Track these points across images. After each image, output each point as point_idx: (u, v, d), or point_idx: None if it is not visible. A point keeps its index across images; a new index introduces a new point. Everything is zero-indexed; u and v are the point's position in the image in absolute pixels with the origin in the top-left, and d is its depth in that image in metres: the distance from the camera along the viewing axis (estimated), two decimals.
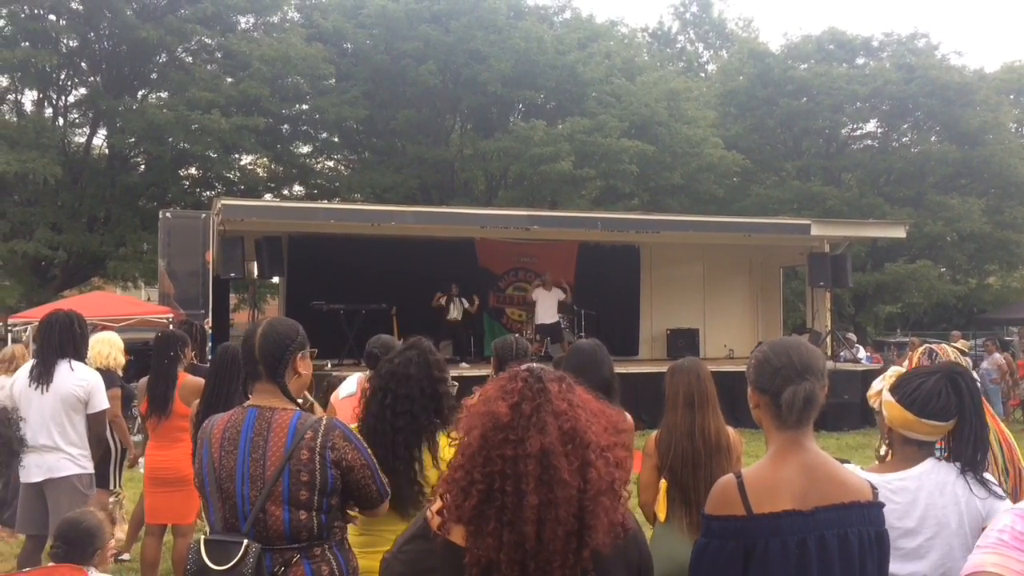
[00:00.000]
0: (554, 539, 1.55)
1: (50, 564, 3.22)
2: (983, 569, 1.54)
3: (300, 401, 2.79)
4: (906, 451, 2.39)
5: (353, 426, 2.84)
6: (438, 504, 1.67)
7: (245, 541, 2.40)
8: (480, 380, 2.90)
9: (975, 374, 3.06)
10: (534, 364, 1.74)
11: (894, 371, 2.56)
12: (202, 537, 2.48)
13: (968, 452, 2.34)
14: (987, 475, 2.39)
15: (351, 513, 2.70)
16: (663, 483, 3.49)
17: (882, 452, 2.78)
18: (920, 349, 3.10)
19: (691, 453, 3.43)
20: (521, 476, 1.57)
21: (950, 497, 2.29)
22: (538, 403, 1.63)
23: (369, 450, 2.65)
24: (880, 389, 2.53)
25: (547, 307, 14.59)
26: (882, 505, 1.98)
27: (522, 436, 1.59)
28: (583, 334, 13.83)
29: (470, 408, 1.69)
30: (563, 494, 1.56)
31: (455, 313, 14.15)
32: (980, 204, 24.62)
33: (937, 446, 2.49)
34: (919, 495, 2.31)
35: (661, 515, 3.49)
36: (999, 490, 2.37)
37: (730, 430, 3.54)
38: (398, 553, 1.74)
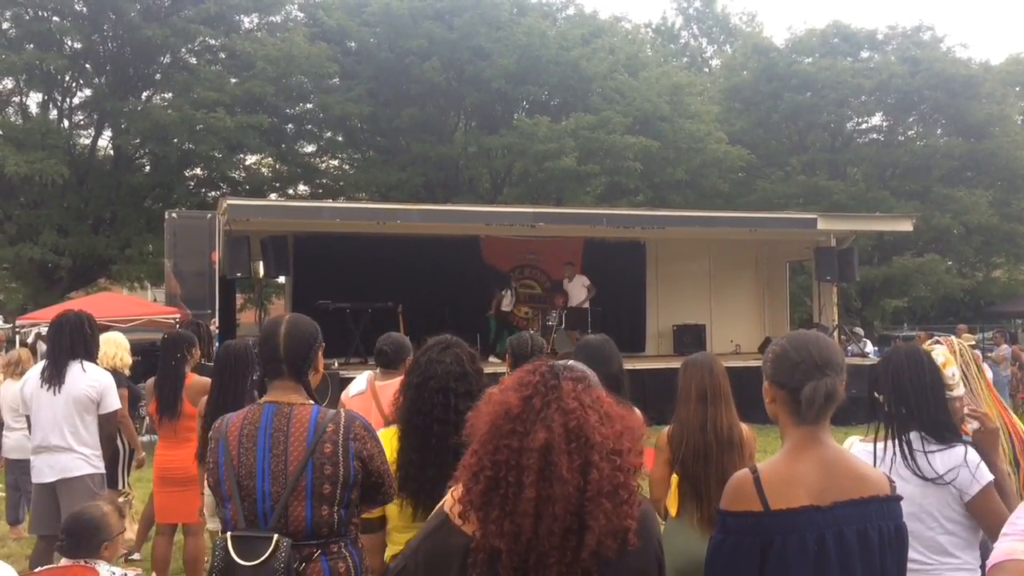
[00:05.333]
0: (550, 535, 1.56)
1: (62, 563, 3.23)
2: (1014, 557, 1.53)
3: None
4: None
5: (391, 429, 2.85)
6: (459, 491, 1.68)
7: (275, 536, 2.39)
8: (487, 377, 2.87)
9: (986, 365, 3.08)
10: (559, 361, 1.75)
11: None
12: (229, 534, 2.47)
13: None
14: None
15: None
16: (675, 478, 3.48)
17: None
18: (928, 343, 3.10)
19: (703, 448, 3.41)
20: (523, 468, 1.58)
21: None
22: (548, 399, 1.64)
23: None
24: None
25: (574, 295, 15.31)
26: (900, 499, 1.96)
27: (528, 429, 1.61)
28: (590, 330, 13.83)
29: (490, 395, 1.71)
30: (561, 491, 1.56)
31: (508, 305, 15.23)
32: (987, 197, 24.52)
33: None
34: None
35: (672, 510, 3.48)
36: None
37: (743, 426, 3.52)
38: (418, 547, 1.75)
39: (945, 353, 2.68)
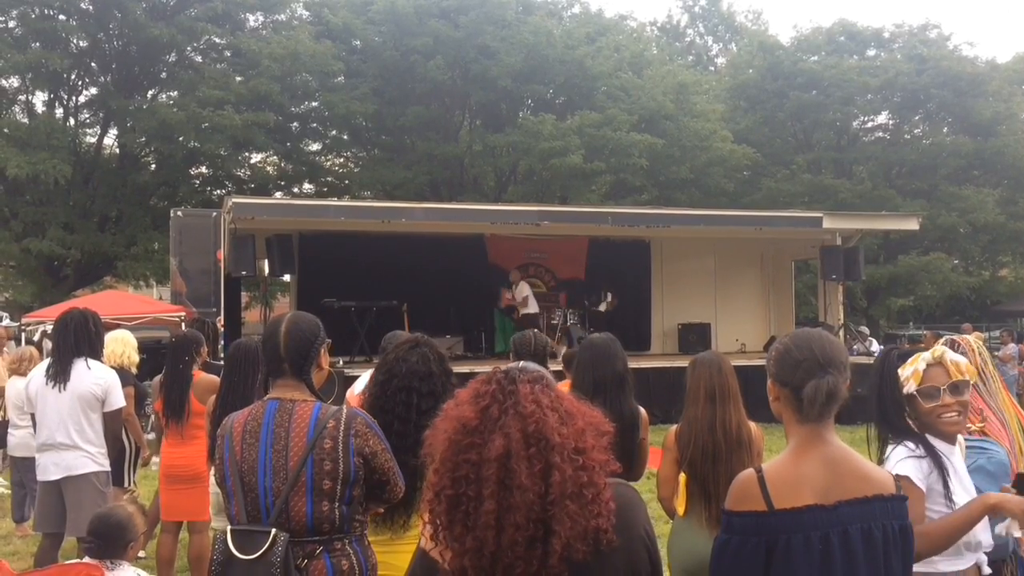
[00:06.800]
0: (513, 545, 1.52)
1: (70, 561, 3.23)
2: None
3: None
4: None
5: None
6: (427, 514, 1.64)
7: (273, 530, 2.41)
8: None
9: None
10: (514, 364, 1.71)
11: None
12: (228, 527, 2.49)
13: None
14: None
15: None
16: (683, 477, 3.46)
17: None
18: (940, 341, 3.10)
19: (711, 447, 3.39)
20: (482, 481, 1.54)
21: None
22: (506, 405, 1.59)
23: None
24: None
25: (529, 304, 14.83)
26: (905, 498, 1.95)
27: (486, 440, 1.56)
28: (593, 329, 13.80)
29: (446, 411, 1.66)
30: (521, 499, 1.52)
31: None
32: (994, 195, 24.47)
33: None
34: None
35: (680, 509, 3.46)
36: None
37: (752, 424, 3.50)
38: (410, 572, 1.74)
39: (923, 356, 2.70)
